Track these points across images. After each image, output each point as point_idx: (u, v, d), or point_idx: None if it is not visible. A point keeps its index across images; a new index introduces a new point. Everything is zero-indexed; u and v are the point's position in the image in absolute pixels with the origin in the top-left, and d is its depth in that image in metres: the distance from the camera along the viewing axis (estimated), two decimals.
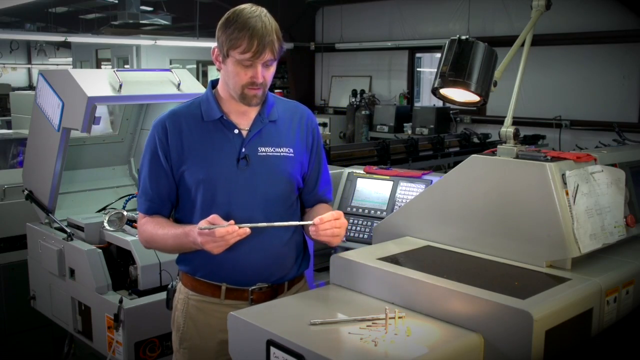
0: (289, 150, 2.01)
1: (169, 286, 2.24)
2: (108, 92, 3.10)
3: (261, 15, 1.88)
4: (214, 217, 1.82)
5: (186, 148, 1.97)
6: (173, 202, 2.06)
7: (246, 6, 1.90)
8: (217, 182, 1.95)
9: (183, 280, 2.10)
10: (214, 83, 2.06)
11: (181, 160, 1.97)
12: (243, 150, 1.97)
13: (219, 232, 1.78)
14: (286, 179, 2.01)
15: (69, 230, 3.20)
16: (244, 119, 2.01)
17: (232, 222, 1.80)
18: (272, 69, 1.94)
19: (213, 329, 2.01)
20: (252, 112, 2.02)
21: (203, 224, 1.81)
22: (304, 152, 2.06)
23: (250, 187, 1.96)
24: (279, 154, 2.00)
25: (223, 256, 1.89)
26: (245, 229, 1.81)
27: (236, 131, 1.99)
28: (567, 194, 1.75)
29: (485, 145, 6.12)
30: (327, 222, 1.84)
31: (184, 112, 2.02)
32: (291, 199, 2.05)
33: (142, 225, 2.05)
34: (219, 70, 1.98)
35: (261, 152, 1.98)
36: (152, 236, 2.02)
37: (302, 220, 2.10)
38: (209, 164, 1.96)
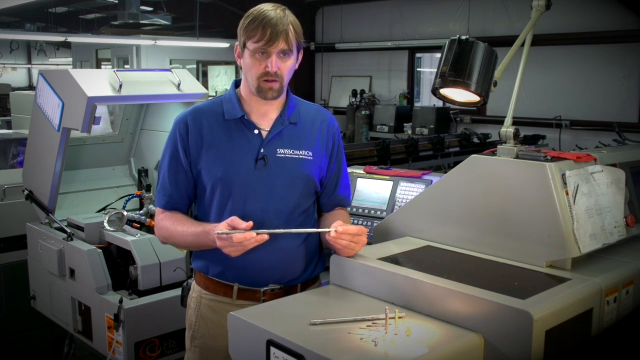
0: (307, 153, 2.01)
1: (184, 284, 2.25)
2: (108, 92, 3.10)
3: (277, 9, 1.90)
4: (233, 220, 1.80)
5: (206, 145, 1.97)
6: (191, 198, 2.07)
7: (266, 4, 1.92)
8: (233, 181, 1.95)
9: (197, 279, 2.11)
10: (237, 82, 2.07)
11: (200, 157, 1.98)
12: (262, 150, 1.96)
13: (237, 238, 1.76)
14: (304, 182, 2.00)
15: (69, 230, 3.20)
16: (264, 119, 2.01)
17: (250, 224, 1.78)
18: (289, 63, 1.94)
19: (224, 328, 2.00)
20: (273, 113, 2.01)
21: (222, 227, 1.79)
22: (323, 155, 2.05)
23: (267, 188, 1.95)
24: (297, 156, 1.99)
25: (235, 256, 1.89)
26: (263, 236, 1.80)
27: (256, 131, 1.98)
28: (567, 194, 1.75)
29: (485, 145, 6.11)
30: (347, 235, 1.81)
31: (206, 109, 2.02)
32: (308, 201, 2.04)
33: (160, 220, 2.06)
34: (241, 68, 1.99)
35: (280, 153, 1.98)
36: (170, 233, 2.02)
37: (318, 223, 2.10)
38: (227, 163, 1.95)
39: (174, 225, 2.00)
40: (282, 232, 1.86)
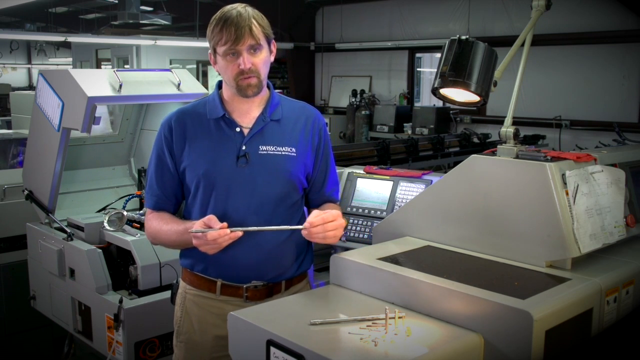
0: (291, 149, 2.02)
1: (175, 282, 2.28)
2: (108, 92, 3.10)
3: (238, 7, 1.92)
4: (209, 219, 1.83)
5: (189, 145, 2.00)
6: (178, 198, 2.09)
7: (228, 5, 1.94)
8: (216, 178, 1.97)
9: (183, 275, 2.14)
10: (220, 84, 2.09)
11: (184, 156, 2.01)
12: (243, 148, 1.98)
13: (211, 235, 1.80)
14: (287, 178, 2.01)
15: (69, 230, 3.20)
16: (246, 117, 2.03)
17: (225, 224, 1.81)
18: (262, 57, 1.95)
19: (208, 323, 2.04)
20: (255, 111, 2.03)
21: (197, 226, 1.83)
22: (308, 152, 2.06)
23: (250, 184, 1.97)
24: (280, 152, 2.00)
25: (220, 252, 1.90)
26: (237, 233, 1.83)
27: (238, 129, 2.00)
28: (567, 194, 1.75)
29: (485, 145, 6.10)
30: (318, 227, 1.83)
31: (190, 110, 2.06)
32: (293, 198, 2.05)
33: (148, 220, 2.10)
34: (219, 73, 2.01)
35: (262, 150, 1.99)
36: (157, 232, 2.06)
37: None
38: (209, 161, 1.98)
39: (160, 224, 2.04)
40: (256, 230, 1.88)
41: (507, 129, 1.95)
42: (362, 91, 10.23)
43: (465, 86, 2.00)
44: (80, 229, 3.23)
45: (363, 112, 9.68)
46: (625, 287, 1.72)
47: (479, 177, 1.91)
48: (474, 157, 1.93)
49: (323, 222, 1.83)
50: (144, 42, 9.92)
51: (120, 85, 3.12)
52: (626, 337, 1.55)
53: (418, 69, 10.62)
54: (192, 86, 3.45)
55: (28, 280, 3.62)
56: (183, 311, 2.10)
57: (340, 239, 2.70)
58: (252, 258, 1.99)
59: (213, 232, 1.79)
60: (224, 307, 1.97)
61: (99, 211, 3.53)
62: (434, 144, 5.85)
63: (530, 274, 1.71)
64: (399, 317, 1.52)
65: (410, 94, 10.27)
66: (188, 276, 2.10)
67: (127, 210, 3.26)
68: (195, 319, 2.07)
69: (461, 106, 2.28)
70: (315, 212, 1.88)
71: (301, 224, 1.99)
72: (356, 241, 2.71)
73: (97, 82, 3.11)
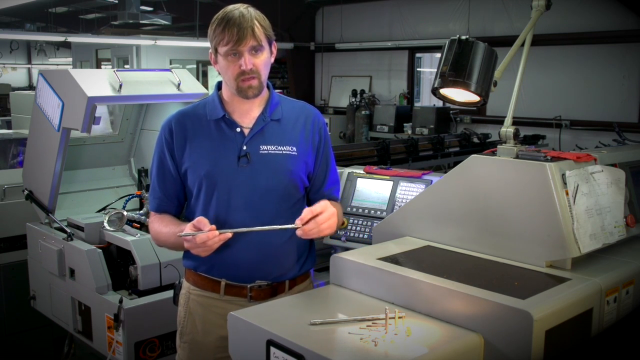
0: (292, 148, 2.02)
1: (177, 282, 2.27)
2: (108, 92, 3.10)
3: (240, 8, 1.92)
4: (199, 221, 1.83)
5: (189, 146, 2.01)
6: (181, 200, 2.10)
7: (229, 5, 1.93)
8: (217, 179, 1.97)
9: (186, 275, 2.14)
10: (220, 85, 2.09)
11: (185, 158, 2.01)
12: (244, 148, 1.98)
13: (200, 238, 1.80)
14: (288, 177, 2.01)
15: (69, 230, 3.20)
16: (246, 117, 2.03)
17: (213, 227, 1.81)
18: (263, 58, 1.95)
19: (212, 324, 2.04)
20: (255, 111, 2.03)
21: (187, 228, 1.83)
22: (309, 151, 2.06)
23: (251, 184, 1.97)
24: (281, 152, 2.01)
25: (223, 252, 1.91)
26: (226, 234, 1.83)
27: (238, 129, 2.01)
28: (567, 194, 1.75)
29: (485, 145, 6.09)
30: (310, 222, 1.83)
31: (190, 112, 2.06)
32: (294, 197, 2.05)
33: (151, 223, 2.11)
34: (219, 73, 2.00)
35: (263, 150, 1.99)
36: (157, 234, 2.07)
37: None
38: (211, 162, 1.98)
39: (160, 227, 2.05)
40: (246, 231, 1.87)
41: (507, 129, 1.95)
42: (362, 91, 10.23)
43: (465, 86, 2.00)
44: (80, 229, 3.23)
45: (363, 112, 9.67)
46: (625, 287, 1.72)
47: (479, 177, 1.91)
48: (474, 157, 1.93)
49: (312, 215, 1.83)
50: (144, 42, 9.92)
51: (120, 85, 3.12)
52: (626, 337, 1.55)
53: (418, 69, 10.62)
54: (192, 86, 3.45)
55: (28, 280, 3.62)
56: (187, 311, 2.10)
57: (340, 239, 2.73)
58: (255, 257, 1.99)
59: (202, 234, 1.79)
60: (228, 307, 1.96)
61: (99, 211, 3.53)
62: (434, 144, 5.85)
63: (530, 274, 1.71)
64: (399, 317, 1.52)
65: (410, 94, 10.26)
66: (192, 276, 2.10)
67: (127, 210, 3.26)
68: (199, 319, 2.07)
69: (461, 106, 2.28)
70: (305, 210, 1.87)
71: None
72: (356, 241, 2.71)
73: (97, 82, 3.11)
